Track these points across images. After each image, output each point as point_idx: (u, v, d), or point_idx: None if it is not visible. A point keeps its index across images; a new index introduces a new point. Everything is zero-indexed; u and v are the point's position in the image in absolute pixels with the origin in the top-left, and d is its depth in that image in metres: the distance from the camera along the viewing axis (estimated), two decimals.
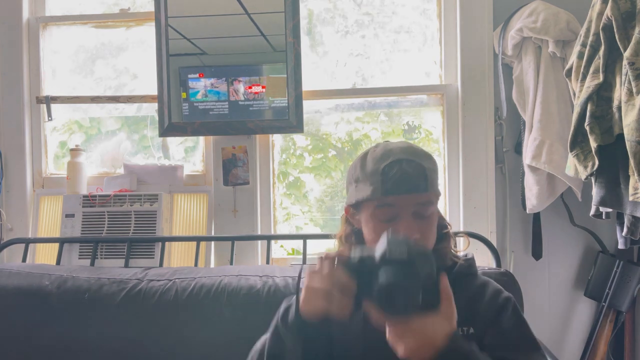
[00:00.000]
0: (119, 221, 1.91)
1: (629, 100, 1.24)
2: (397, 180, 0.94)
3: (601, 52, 1.35)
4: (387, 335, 0.81)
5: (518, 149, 1.88)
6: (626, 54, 1.24)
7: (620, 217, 1.51)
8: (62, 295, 1.58)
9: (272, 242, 1.98)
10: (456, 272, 1.02)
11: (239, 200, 1.95)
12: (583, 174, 1.44)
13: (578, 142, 1.44)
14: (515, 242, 1.90)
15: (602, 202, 1.42)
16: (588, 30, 1.42)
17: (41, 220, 2.03)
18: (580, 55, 1.44)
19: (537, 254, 1.86)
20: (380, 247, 0.81)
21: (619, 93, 1.29)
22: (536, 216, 1.85)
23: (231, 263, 1.80)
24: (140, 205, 1.92)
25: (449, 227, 1.07)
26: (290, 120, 1.89)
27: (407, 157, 0.95)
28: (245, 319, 1.48)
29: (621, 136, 1.29)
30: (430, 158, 0.99)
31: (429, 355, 0.79)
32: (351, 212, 1.05)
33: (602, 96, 1.36)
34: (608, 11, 1.29)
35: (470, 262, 1.06)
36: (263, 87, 1.91)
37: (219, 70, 1.93)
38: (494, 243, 1.78)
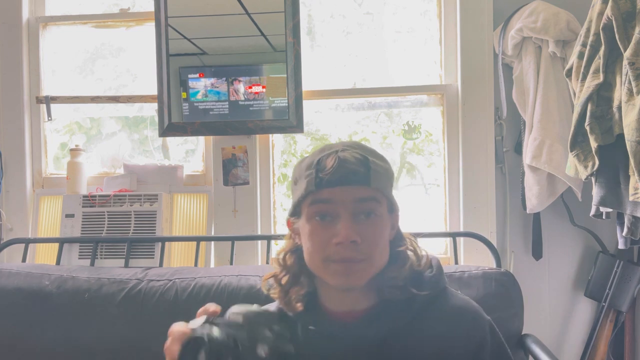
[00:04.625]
0: (118, 221, 1.91)
1: (629, 100, 1.24)
2: (333, 171, 0.82)
3: (601, 52, 1.35)
4: None
5: (518, 149, 1.88)
6: (626, 54, 1.24)
7: (620, 217, 1.50)
8: (62, 295, 1.58)
9: (272, 242, 1.98)
10: (419, 306, 0.87)
11: (239, 200, 1.95)
12: (583, 174, 1.44)
13: (578, 142, 1.44)
14: (515, 242, 1.90)
15: (602, 202, 1.42)
16: (588, 30, 1.42)
17: (41, 221, 2.03)
18: (581, 55, 1.44)
19: (537, 254, 1.86)
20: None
21: (619, 93, 1.29)
22: (536, 216, 1.85)
23: (231, 263, 1.80)
24: (140, 205, 1.91)
25: (409, 244, 0.92)
26: (290, 120, 1.89)
27: (347, 148, 0.84)
28: None
29: (621, 136, 1.28)
30: (380, 157, 0.88)
31: None
32: (292, 224, 0.92)
33: (602, 96, 1.36)
34: (608, 11, 1.29)
35: (434, 281, 0.90)
36: (263, 87, 1.91)
37: (219, 70, 1.93)
38: (494, 243, 1.78)
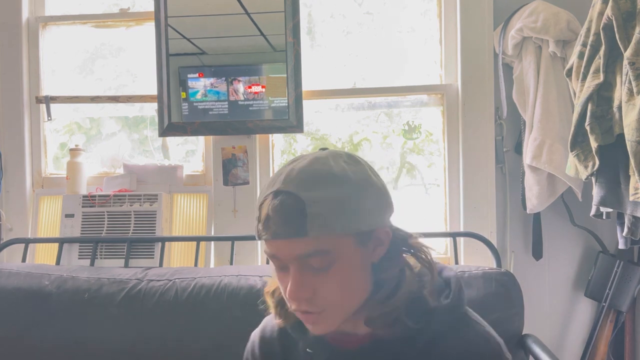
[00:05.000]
0: (118, 221, 1.91)
1: (629, 100, 1.24)
2: (266, 223, 0.71)
3: (601, 52, 1.35)
4: None
5: (518, 149, 1.87)
6: (626, 54, 1.24)
7: (620, 217, 1.50)
8: (62, 295, 1.58)
9: None
10: (423, 343, 0.76)
11: (239, 200, 1.95)
12: (583, 174, 1.44)
13: (578, 142, 1.44)
14: (515, 242, 1.90)
15: (603, 202, 1.42)
16: (588, 30, 1.42)
17: (41, 221, 2.03)
18: (581, 55, 1.44)
19: (537, 254, 1.86)
20: None
21: (620, 93, 1.29)
22: (536, 216, 1.85)
23: (231, 263, 1.80)
24: (140, 205, 1.91)
25: (411, 262, 0.80)
26: (290, 120, 1.89)
27: (285, 188, 0.70)
28: (245, 319, 1.47)
29: (622, 136, 1.28)
30: (328, 185, 0.71)
31: None
32: None
33: (602, 96, 1.36)
34: (608, 11, 1.29)
35: (448, 309, 0.77)
36: (263, 87, 1.91)
37: (219, 70, 1.93)
38: (494, 243, 1.78)
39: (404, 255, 0.81)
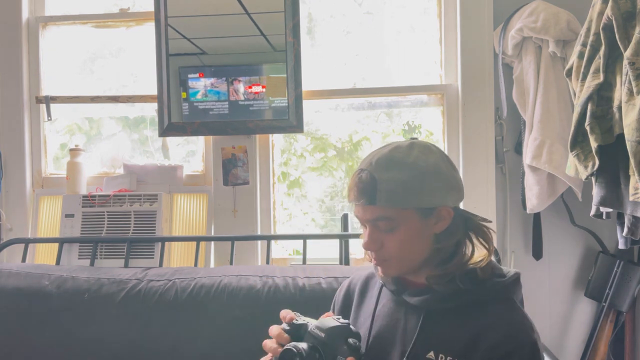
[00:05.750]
0: (118, 221, 1.91)
1: (629, 100, 1.24)
2: (350, 192, 0.94)
3: (601, 52, 1.35)
4: None
5: (518, 149, 1.87)
6: (626, 54, 1.24)
7: (620, 217, 1.50)
8: (62, 295, 1.58)
9: (272, 242, 1.98)
10: (463, 299, 0.92)
11: (239, 200, 1.95)
12: (583, 174, 1.44)
13: (578, 142, 1.44)
14: (515, 242, 1.90)
15: (603, 202, 1.42)
16: (588, 30, 1.42)
17: (41, 220, 2.03)
18: (581, 55, 1.44)
19: (537, 254, 1.86)
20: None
21: (620, 93, 1.29)
22: (536, 216, 1.85)
23: (231, 263, 1.80)
24: (140, 205, 1.91)
25: (471, 240, 0.96)
26: (290, 120, 1.89)
27: (366, 167, 0.92)
28: (245, 319, 1.48)
29: (622, 136, 1.28)
30: (405, 167, 0.91)
31: None
32: None
33: (602, 96, 1.36)
34: (608, 11, 1.29)
35: (501, 286, 0.94)
36: (263, 87, 1.91)
37: (219, 70, 1.93)
38: (494, 243, 1.77)
39: (471, 234, 0.97)
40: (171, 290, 1.55)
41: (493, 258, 0.97)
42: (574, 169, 1.50)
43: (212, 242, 1.95)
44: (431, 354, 0.90)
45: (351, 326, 0.93)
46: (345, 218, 1.88)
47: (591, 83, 1.37)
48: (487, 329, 0.89)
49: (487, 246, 0.96)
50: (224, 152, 1.96)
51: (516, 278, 0.97)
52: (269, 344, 0.94)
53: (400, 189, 0.90)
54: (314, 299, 1.45)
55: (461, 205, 1.04)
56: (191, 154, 2.10)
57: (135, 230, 1.89)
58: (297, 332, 0.93)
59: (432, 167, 0.92)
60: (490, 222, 1.01)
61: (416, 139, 0.99)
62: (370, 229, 0.94)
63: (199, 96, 1.94)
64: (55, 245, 1.90)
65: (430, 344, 0.91)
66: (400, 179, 0.90)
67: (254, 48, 1.92)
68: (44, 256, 1.98)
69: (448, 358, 0.89)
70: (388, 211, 0.91)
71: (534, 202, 1.75)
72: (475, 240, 0.97)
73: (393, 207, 0.90)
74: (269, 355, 0.95)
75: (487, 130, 1.89)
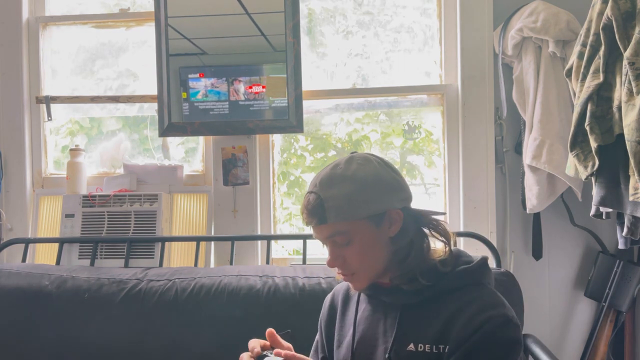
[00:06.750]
0: (118, 221, 1.91)
1: (629, 100, 1.24)
2: (302, 215, 0.98)
3: (601, 52, 1.35)
4: None
5: (518, 149, 1.88)
6: (626, 54, 1.24)
7: (620, 217, 1.50)
8: (62, 295, 1.58)
9: (272, 242, 1.98)
10: (441, 286, 0.97)
11: (239, 200, 1.95)
12: (583, 174, 1.44)
13: (578, 142, 1.44)
14: (515, 242, 1.90)
15: (603, 202, 1.42)
16: (588, 30, 1.42)
17: (41, 220, 2.03)
18: (581, 55, 1.44)
19: (537, 254, 1.86)
20: None
21: (619, 93, 1.29)
22: (536, 216, 1.85)
23: (231, 263, 1.80)
24: (140, 205, 1.91)
25: (438, 232, 1.00)
26: (290, 120, 1.89)
27: (312, 190, 0.97)
28: (245, 319, 1.48)
29: (621, 136, 1.28)
30: (341, 184, 0.95)
31: None
32: None
33: (602, 96, 1.36)
34: (608, 11, 1.29)
35: (466, 273, 0.98)
36: (263, 87, 1.91)
37: (219, 70, 1.93)
38: (494, 243, 1.78)
39: (425, 230, 1.01)
40: (171, 290, 1.55)
41: (454, 247, 1.01)
42: (574, 169, 1.50)
43: (212, 242, 1.95)
44: (411, 346, 0.95)
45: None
46: None
47: (591, 83, 1.37)
48: (458, 310, 0.93)
49: (443, 239, 1.00)
50: (224, 152, 1.96)
51: (482, 263, 1.01)
52: None
53: (345, 202, 0.94)
54: (314, 299, 1.45)
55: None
56: (191, 154, 2.10)
57: (135, 230, 1.89)
58: None
59: (372, 176, 0.96)
60: (444, 214, 1.06)
61: (355, 152, 1.03)
62: (330, 247, 0.98)
63: (199, 96, 1.94)
64: (55, 245, 1.90)
65: (409, 337, 0.96)
66: (344, 193, 0.94)
67: (254, 48, 1.92)
68: (44, 256, 1.98)
69: (427, 346, 0.94)
70: (340, 226, 0.95)
71: (533, 202, 1.75)
72: (430, 235, 1.01)
73: (344, 221, 0.94)
74: None
75: (487, 130, 1.89)
